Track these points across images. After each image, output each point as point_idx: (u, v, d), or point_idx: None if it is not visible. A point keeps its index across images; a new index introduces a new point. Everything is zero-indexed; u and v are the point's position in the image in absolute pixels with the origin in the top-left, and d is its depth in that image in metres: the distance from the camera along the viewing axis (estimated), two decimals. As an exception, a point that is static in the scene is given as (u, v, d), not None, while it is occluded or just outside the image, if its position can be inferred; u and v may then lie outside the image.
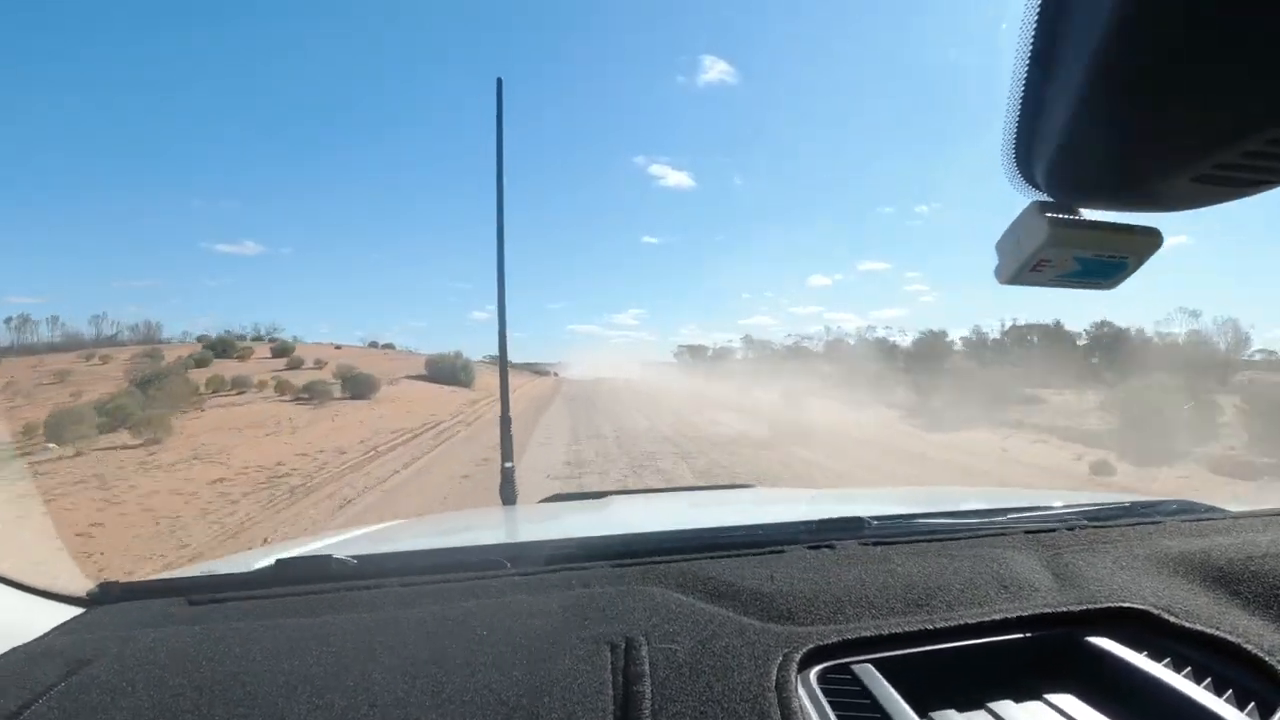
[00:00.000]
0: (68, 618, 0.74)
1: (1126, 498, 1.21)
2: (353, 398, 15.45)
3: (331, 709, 0.53)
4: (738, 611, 0.68)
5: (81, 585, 0.81)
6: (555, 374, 53.94)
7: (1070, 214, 0.47)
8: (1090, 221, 0.47)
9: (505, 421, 2.69)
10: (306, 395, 14.73)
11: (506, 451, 2.55)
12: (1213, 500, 1.15)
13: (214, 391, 16.77)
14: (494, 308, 2.87)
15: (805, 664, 0.59)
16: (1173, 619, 0.65)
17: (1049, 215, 0.47)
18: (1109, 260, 0.49)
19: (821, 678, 0.59)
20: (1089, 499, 1.27)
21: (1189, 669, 0.60)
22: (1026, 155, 0.43)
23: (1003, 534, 0.94)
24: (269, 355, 26.25)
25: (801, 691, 0.56)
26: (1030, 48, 0.38)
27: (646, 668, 0.57)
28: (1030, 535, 0.93)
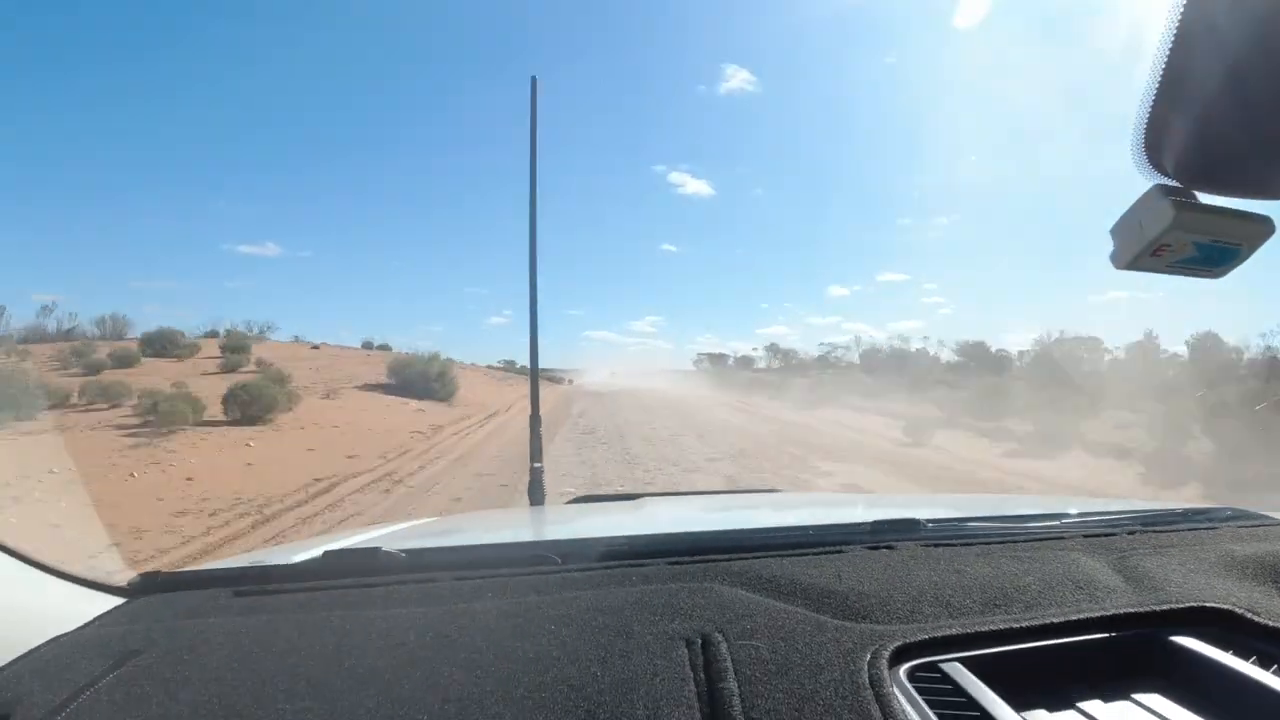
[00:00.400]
0: (109, 607, 0.72)
1: (1178, 505, 1.18)
2: (238, 421, 9.61)
3: (401, 703, 0.51)
4: (811, 609, 0.67)
5: (123, 575, 0.78)
6: (569, 381, 47.36)
7: (1191, 199, 0.47)
8: (1213, 206, 0.47)
9: (535, 421, 2.81)
10: (154, 418, 8.89)
11: (535, 451, 2.65)
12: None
13: (88, 404, 11.23)
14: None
15: (894, 661, 0.58)
16: (1257, 618, 0.66)
17: (1173, 199, 0.46)
18: (1225, 247, 0.49)
19: (911, 675, 0.57)
20: (1139, 505, 1.21)
21: (1276, 666, 0.59)
22: (1158, 140, 0.44)
23: (1061, 538, 0.93)
24: (219, 354, 20.71)
25: (895, 689, 0.54)
26: (1175, 32, 0.38)
27: (729, 664, 0.55)
28: (1089, 539, 0.92)
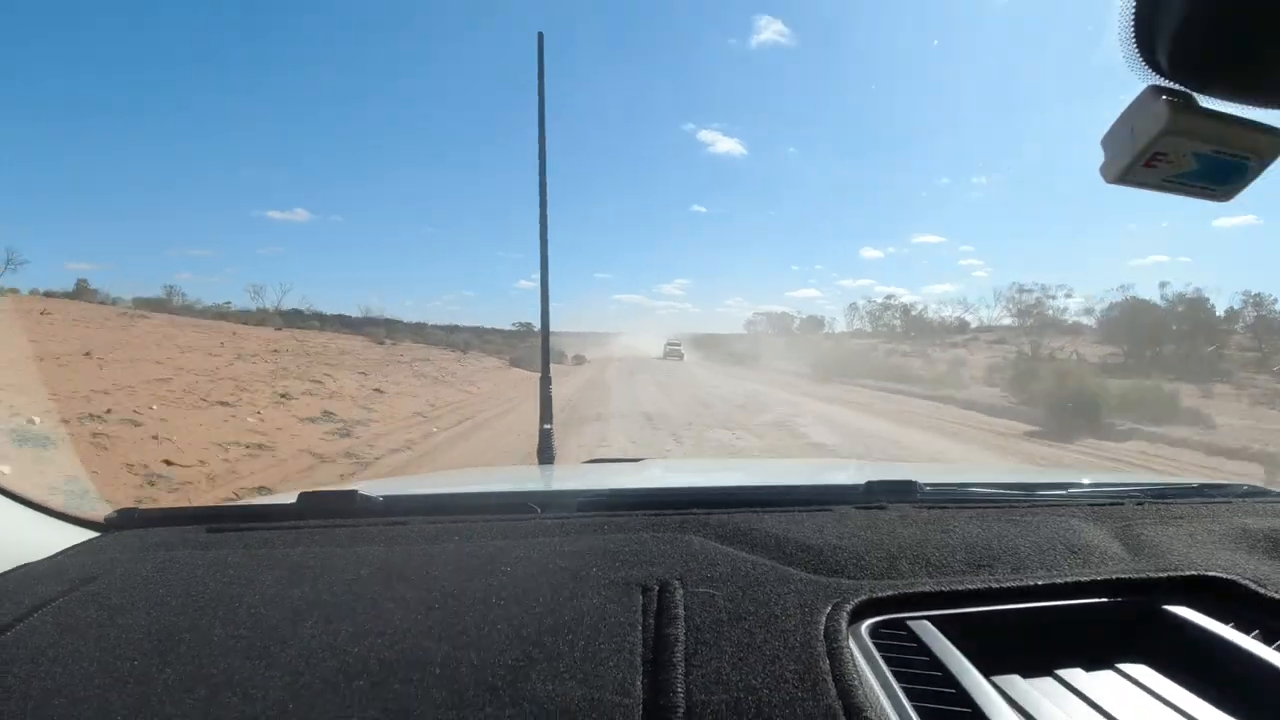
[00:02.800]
0: (82, 540, 0.73)
1: (1194, 480, 1.14)
2: None
3: (337, 636, 0.51)
4: (781, 562, 0.65)
5: (102, 510, 0.80)
6: (576, 361, 27.32)
7: (1190, 101, 0.42)
8: (1216, 112, 0.43)
9: (545, 382, 2.86)
10: None
11: (545, 414, 2.75)
12: None
13: None
14: (540, 276, 2.93)
15: (856, 617, 0.56)
16: (1263, 590, 0.62)
17: (1168, 100, 0.42)
18: (1229, 159, 0.44)
19: (874, 631, 0.55)
20: (1152, 479, 1.19)
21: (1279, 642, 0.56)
22: (1148, 28, 0.38)
23: (1064, 505, 0.90)
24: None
25: (853, 643, 0.52)
26: None
27: (681, 611, 0.54)
28: (1094, 508, 0.88)
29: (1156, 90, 0.42)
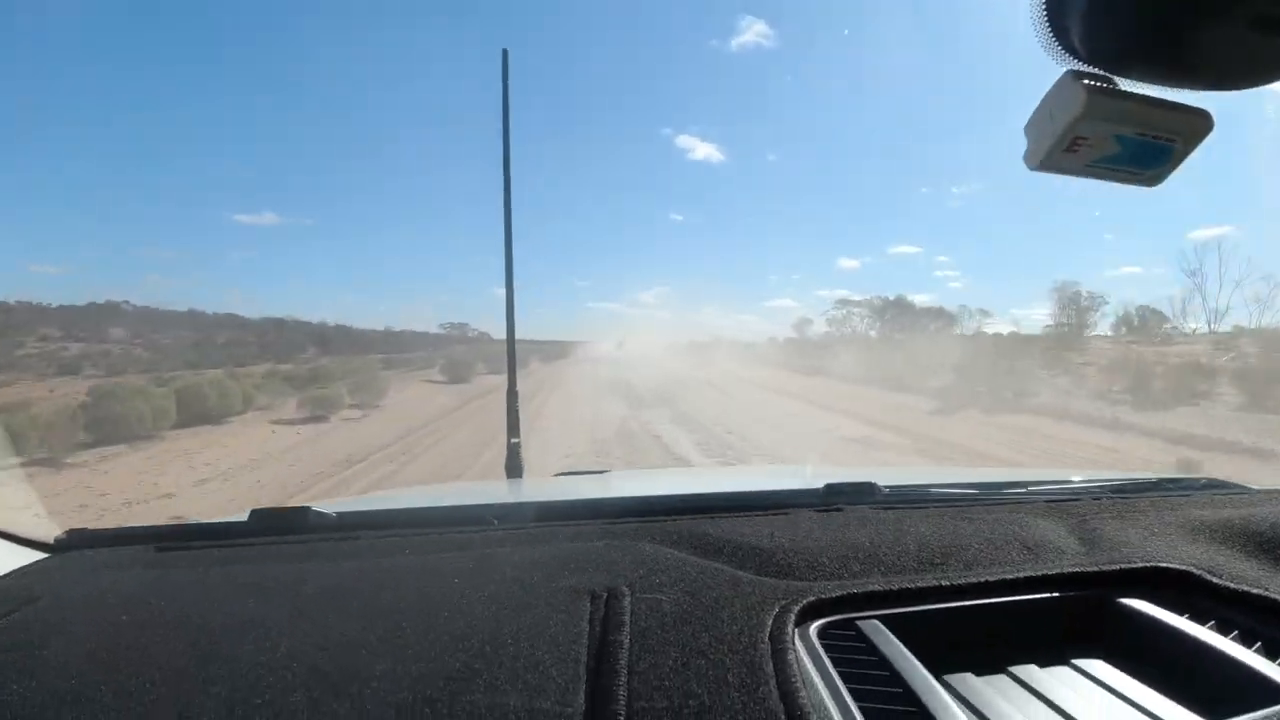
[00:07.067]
0: (30, 561, 0.72)
1: (1153, 475, 1.12)
2: None
3: (276, 652, 0.51)
4: (733, 566, 0.65)
5: (51, 532, 0.79)
6: None
7: (1109, 84, 0.41)
8: (1136, 94, 0.41)
9: (512, 396, 2.77)
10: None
11: (512, 426, 2.63)
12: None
13: None
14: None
15: (805, 618, 0.55)
16: (1217, 580, 0.61)
17: (1086, 84, 0.41)
18: (1153, 141, 0.43)
19: (823, 633, 0.54)
20: (1113, 475, 1.14)
21: (1236, 632, 0.55)
22: (1061, 12, 0.38)
23: (1023, 502, 0.91)
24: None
25: (799, 645, 0.52)
26: None
27: (627, 617, 0.54)
28: (1052, 504, 0.88)
29: (1075, 74, 0.41)
